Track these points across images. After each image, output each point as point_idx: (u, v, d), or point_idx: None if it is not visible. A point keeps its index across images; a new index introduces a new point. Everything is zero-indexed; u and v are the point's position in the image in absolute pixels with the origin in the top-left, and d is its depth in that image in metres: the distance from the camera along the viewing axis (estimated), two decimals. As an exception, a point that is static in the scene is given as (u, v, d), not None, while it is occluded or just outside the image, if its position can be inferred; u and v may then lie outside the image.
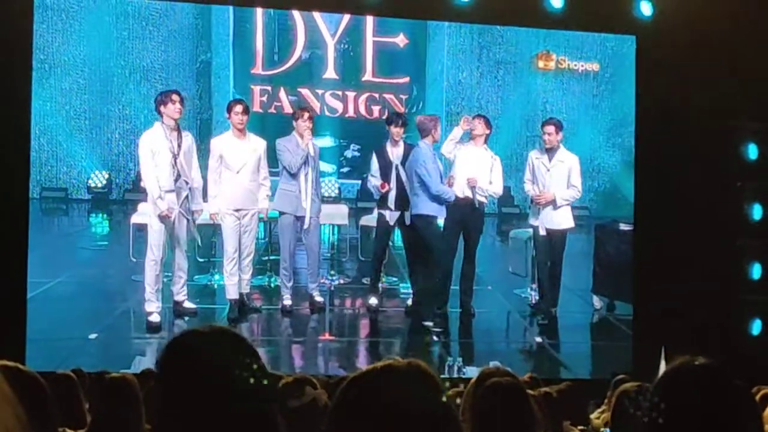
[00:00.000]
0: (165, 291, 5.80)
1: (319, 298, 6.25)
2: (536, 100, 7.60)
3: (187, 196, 5.67)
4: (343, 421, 1.06)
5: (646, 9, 6.27)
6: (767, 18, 5.73)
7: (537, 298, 6.57)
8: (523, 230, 6.68)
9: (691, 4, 5.86)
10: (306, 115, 6.01)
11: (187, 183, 5.65)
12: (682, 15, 5.90)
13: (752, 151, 6.20)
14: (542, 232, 6.17)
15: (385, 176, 6.02)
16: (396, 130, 6.02)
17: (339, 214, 6.86)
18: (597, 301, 6.63)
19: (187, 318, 5.86)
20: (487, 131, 6.20)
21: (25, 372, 1.58)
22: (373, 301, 6.27)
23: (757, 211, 6.20)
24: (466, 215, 6.12)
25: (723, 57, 5.79)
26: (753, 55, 5.80)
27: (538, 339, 6.35)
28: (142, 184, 5.69)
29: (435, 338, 6.31)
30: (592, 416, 3.63)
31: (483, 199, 6.13)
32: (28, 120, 5.73)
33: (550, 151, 6.15)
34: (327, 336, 6.17)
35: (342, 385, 1.09)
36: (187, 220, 5.68)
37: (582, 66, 7.20)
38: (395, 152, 6.08)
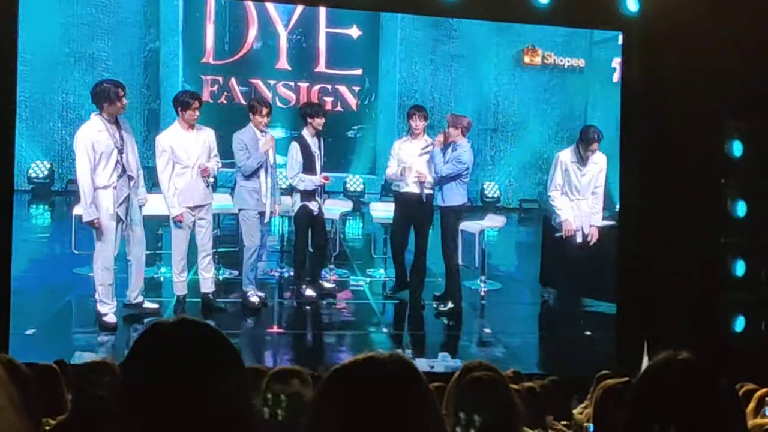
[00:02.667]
0: (118, 287, 5.63)
1: (259, 293, 6.11)
2: (489, 94, 7.66)
3: (128, 196, 5.46)
4: (326, 413, 1.05)
5: (632, 5, 6.25)
6: (753, 16, 5.71)
7: (486, 290, 6.64)
8: (474, 222, 6.72)
9: (677, 0, 5.82)
10: (265, 110, 5.85)
11: (130, 178, 5.45)
12: (668, 11, 5.87)
13: (737, 148, 6.19)
14: (579, 240, 6.16)
15: (310, 168, 6.00)
16: (319, 121, 6.01)
17: (289, 205, 6.79)
18: (545, 293, 6.68)
19: (147, 320, 5.70)
20: (425, 122, 6.22)
21: (12, 362, 1.55)
22: (309, 292, 6.23)
23: (741, 208, 6.18)
24: (415, 209, 6.14)
25: (708, 54, 5.75)
26: (738, 52, 5.77)
27: (488, 330, 6.41)
28: (79, 184, 5.41)
29: (385, 330, 6.31)
30: (575, 411, 3.62)
31: (430, 191, 6.15)
32: (13, 106, 5.50)
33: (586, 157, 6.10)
34: (275, 328, 6.11)
35: (324, 377, 1.08)
36: (123, 221, 5.47)
37: (568, 62, 7.22)
38: (316, 143, 6.07)
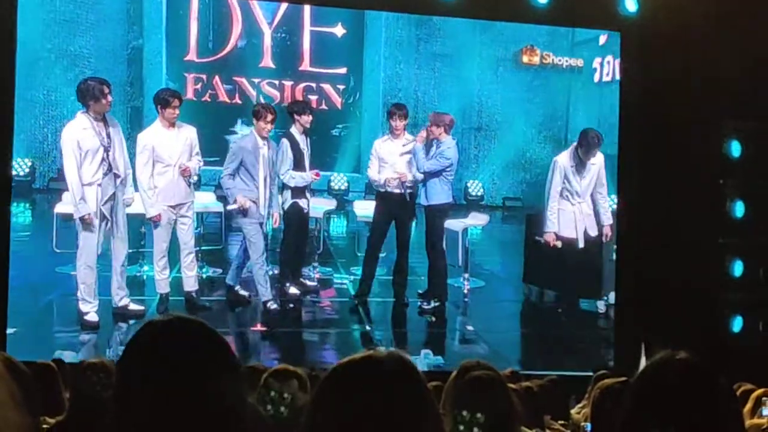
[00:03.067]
0: (100, 285, 5.61)
1: (242, 292, 6.11)
2: (472, 93, 7.71)
3: (114, 194, 5.45)
4: (324, 411, 1.05)
5: (630, 5, 6.25)
6: (751, 16, 5.73)
7: (469, 287, 6.68)
8: (457, 221, 6.77)
9: (676, 1, 5.83)
10: (270, 117, 5.73)
11: (117, 176, 5.45)
12: (667, 12, 5.88)
13: (735, 149, 6.22)
14: (581, 245, 6.15)
15: (299, 166, 6.02)
16: (307, 119, 6.03)
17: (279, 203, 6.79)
18: (527, 290, 6.74)
19: (133, 321, 5.70)
20: (405, 121, 6.23)
21: (11, 359, 1.56)
22: (293, 290, 6.23)
23: (739, 209, 6.20)
24: (397, 208, 6.13)
25: (707, 54, 5.77)
26: (737, 52, 5.78)
27: (470, 327, 6.46)
28: (67, 181, 5.44)
29: (368, 327, 6.34)
30: (573, 411, 3.64)
31: (411, 190, 6.18)
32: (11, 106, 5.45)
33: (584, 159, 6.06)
34: (259, 327, 6.12)
35: (322, 376, 1.08)
36: (106, 218, 5.47)
37: (566, 62, 7.20)
38: (304, 140, 6.08)
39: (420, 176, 6.14)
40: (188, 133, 5.75)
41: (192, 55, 7.66)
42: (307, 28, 7.60)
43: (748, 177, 6.23)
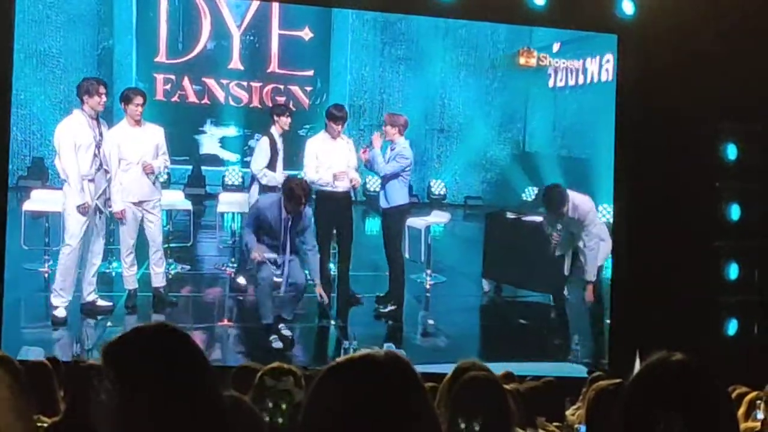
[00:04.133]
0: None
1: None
2: (435, 95, 7.96)
3: (105, 189, 5.63)
4: (320, 411, 1.06)
5: (628, 8, 6.33)
6: (748, 19, 5.80)
7: (432, 283, 6.93)
8: (419, 219, 7.01)
9: (673, 4, 5.92)
10: (304, 199, 5.60)
11: (107, 172, 5.63)
12: (664, 15, 5.95)
13: (731, 152, 6.28)
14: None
15: (272, 166, 6.21)
16: (286, 120, 6.21)
17: (242, 201, 6.95)
18: (486, 285, 7.04)
19: (101, 317, 5.81)
20: (344, 124, 6.37)
21: (5, 357, 1.60)
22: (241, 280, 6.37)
23: (734, 212, 6.26)
24: (338, 212, 6.20)
25: (703, 57, 5.82)
26: (733, 55, 5.84)
27: (431, 321, 6.70)
28: (61, 175, 5.59)
29: (332, 322, 6.53)
30: (568, 413, 3.70)
31: (374, 192, 6.38)
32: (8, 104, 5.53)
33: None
34: (226, 322, 6.28)
35: (318, 375, 1.10)
36: (102, 212, 5.64)
37: (564, 64, 7.37)
38: (281, 142, 6.27)
39: (357, 175, 6.26)
40: (154, 132, 5.92)
41: (162, 56, 7.78)
42: (276, 31, 7.78)
43: (744, 180, 6.29)
